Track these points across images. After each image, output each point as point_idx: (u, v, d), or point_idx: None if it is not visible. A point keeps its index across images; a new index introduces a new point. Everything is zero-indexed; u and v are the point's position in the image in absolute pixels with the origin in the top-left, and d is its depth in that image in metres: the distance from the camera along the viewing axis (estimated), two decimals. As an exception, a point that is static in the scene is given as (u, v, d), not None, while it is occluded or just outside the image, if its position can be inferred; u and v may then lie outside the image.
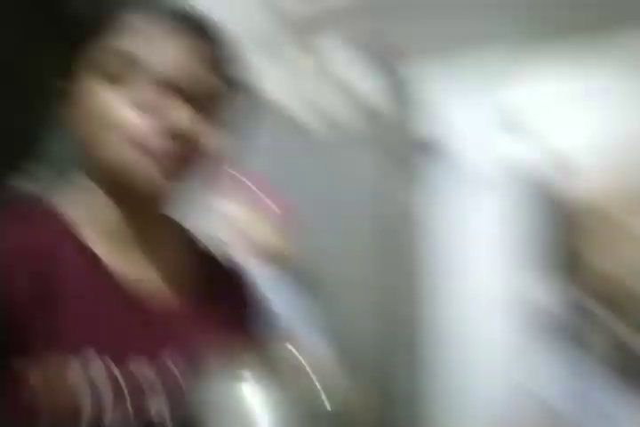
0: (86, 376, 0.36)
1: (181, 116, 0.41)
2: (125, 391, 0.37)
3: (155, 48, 0.41)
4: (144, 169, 0.40)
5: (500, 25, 2.16)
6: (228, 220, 1.08)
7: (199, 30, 0.44)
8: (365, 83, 1.47)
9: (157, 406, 0.39)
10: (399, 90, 1.52)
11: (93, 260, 0.41)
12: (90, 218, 0.43)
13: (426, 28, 2.15)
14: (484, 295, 1.69)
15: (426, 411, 1.53)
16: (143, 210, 0.45)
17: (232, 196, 1.11)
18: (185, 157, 0.41)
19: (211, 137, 0.43)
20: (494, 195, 1.87)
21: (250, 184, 1.17)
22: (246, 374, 0.35)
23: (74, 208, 0.43)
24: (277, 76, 1.56)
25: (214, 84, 0.44)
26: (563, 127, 3.11)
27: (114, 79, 0.41)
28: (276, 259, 1.11)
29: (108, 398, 0.37)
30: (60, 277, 0.39)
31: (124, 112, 0.40)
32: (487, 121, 2.19)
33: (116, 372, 0.38)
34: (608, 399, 0.92)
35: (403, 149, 1.51)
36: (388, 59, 1.47)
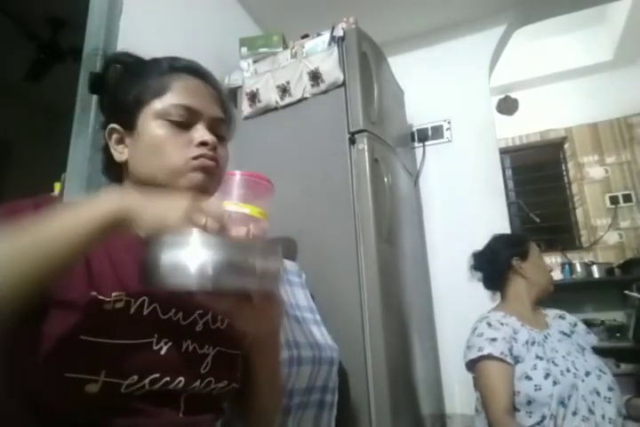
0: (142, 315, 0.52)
1: (207, 137, 0.60)
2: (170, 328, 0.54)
3: (195, 99, 0.60)
4: (196, 182, 0.58)
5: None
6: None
7: (212, 80, 0.65)
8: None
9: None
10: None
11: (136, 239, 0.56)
12: None
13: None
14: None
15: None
16: None
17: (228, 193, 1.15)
18: (215, 171, 0.60)
19: (226, 153, 0.64)
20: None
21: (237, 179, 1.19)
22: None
23: None
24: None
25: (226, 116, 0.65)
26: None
27: (176, 124, 0.59)
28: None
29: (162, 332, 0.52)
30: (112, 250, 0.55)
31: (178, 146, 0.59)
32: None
33: (162, 316, 0.54)
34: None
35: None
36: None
